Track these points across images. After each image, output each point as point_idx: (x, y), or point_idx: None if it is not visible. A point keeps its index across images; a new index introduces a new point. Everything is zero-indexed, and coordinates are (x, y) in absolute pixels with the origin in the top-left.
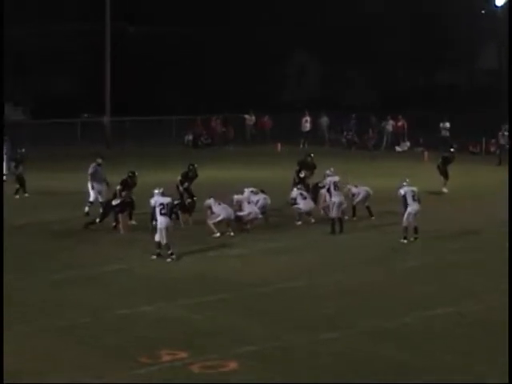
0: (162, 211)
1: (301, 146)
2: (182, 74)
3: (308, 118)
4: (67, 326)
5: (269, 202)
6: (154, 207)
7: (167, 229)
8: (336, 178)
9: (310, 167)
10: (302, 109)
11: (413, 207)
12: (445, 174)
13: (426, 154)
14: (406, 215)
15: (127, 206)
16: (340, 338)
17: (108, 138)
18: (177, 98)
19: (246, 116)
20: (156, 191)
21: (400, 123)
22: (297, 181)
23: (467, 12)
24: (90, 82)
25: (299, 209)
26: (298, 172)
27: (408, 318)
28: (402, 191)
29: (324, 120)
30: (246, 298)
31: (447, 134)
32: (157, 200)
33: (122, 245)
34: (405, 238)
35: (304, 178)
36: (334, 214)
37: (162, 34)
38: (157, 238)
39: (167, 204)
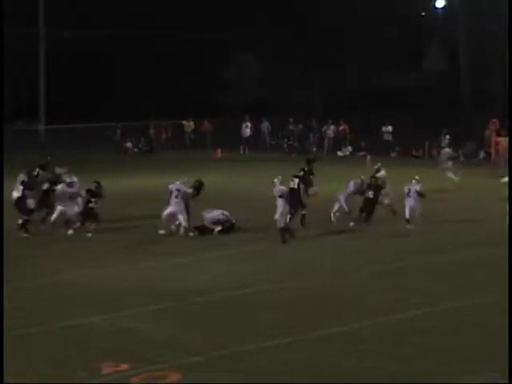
0: None
1: (241, 151)
2: (118, 80)
3: (248, 124)
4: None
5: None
6: None
7: None
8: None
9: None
10: (242, 114)
11: (407, 202)
12: None
13: (368, 158)
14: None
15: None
16: (294, 344)
17: (42, 147)
18: (113, 104)
19: (184, 122)
20: None
21: (341, 128)
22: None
23: (409, 14)
24: (23, 89)
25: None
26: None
27: (371, 322)
28: (405, 188)
29: (265, 125)
30: (192, 306)
31: (390, 137)
32: None
33: (61, 255)
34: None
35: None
36: (281, 223)
37: (98, 39)
38: None
39: None
